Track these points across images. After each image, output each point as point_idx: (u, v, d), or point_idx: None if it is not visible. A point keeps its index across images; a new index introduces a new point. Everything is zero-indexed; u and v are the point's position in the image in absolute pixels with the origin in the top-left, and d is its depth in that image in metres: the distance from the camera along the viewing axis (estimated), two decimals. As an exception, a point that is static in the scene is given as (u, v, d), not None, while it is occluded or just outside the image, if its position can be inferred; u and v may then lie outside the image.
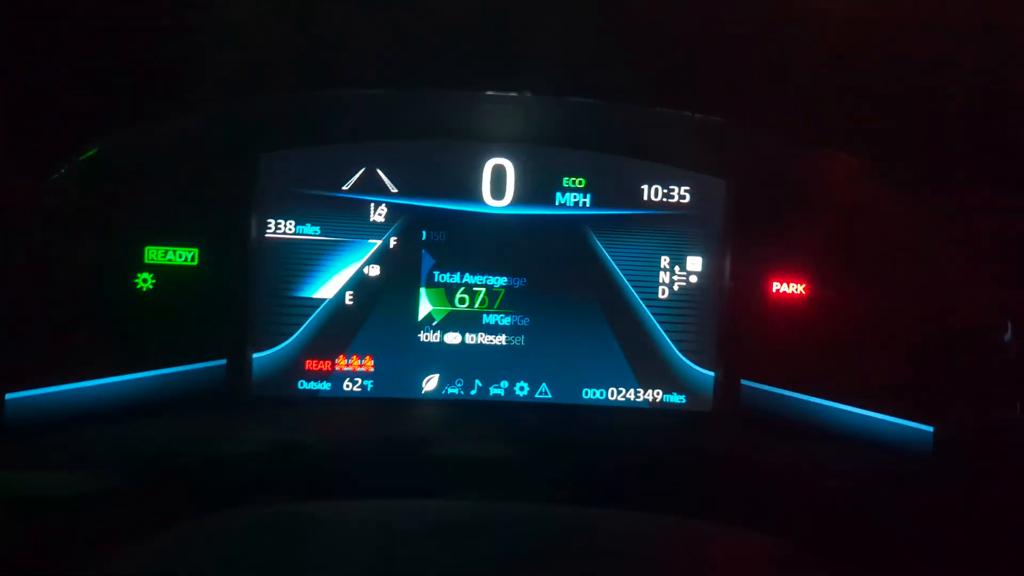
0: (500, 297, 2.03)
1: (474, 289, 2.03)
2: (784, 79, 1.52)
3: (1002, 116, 1.47)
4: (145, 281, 1.85)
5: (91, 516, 1.33)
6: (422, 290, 2.01)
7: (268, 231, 1.96)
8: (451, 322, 2.03)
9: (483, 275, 2.03)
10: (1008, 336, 1.59)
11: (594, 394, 2.07)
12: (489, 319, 2.03)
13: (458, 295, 2.02)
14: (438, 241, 2.01)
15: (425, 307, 2.01)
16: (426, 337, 2.02)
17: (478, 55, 1.53)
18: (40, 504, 1.33)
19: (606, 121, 1.95)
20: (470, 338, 2.03)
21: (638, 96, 1.67)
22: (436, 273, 2.01)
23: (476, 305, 2.03)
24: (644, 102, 1.69)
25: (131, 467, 1.53)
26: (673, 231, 2.05)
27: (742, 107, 1.66)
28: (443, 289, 2.02)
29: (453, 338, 2.03)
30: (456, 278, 2.02)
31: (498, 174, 2.02)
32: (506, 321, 2.04)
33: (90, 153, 1.57)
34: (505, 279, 2.03)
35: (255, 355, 1.97)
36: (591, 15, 1.41)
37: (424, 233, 2.00)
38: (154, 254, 1.85)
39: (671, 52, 1.48)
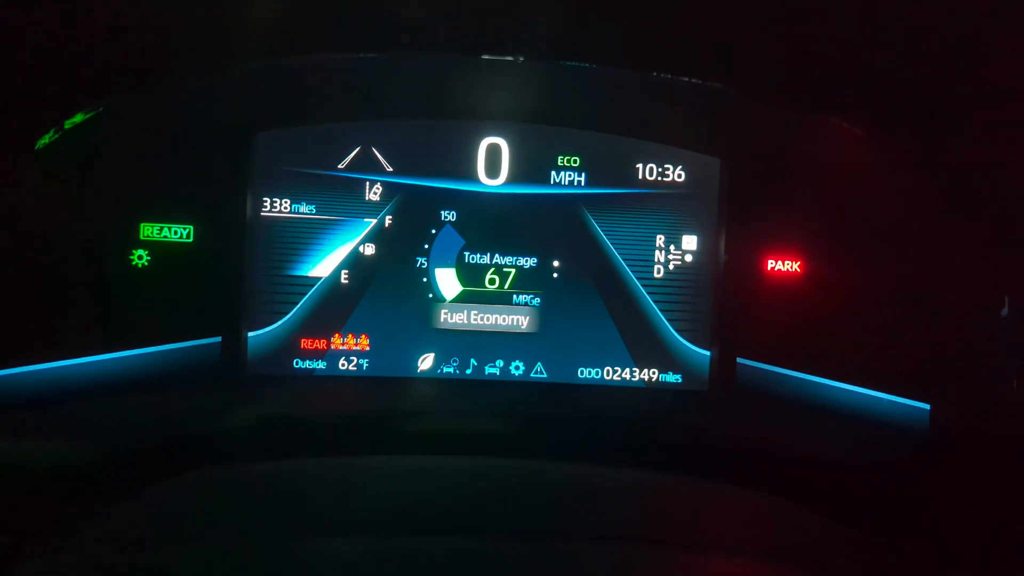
0: (495, 276, 2.03)
1: (468, 268, 2.02)
2: (781, 44, 1.51)
3: (1003, 87, 1.45)
4: (140, 258, 1.85)
5: (76, 484, 1.33)
6: (420, 269, 2.01)
7: (263, 209, 1.96)
8: (446, 301, 2.03)
9: (477, 254, 2.02)
10: (1005, 312, 1.58)
11: (590, 373, 2.06)
12: (484, 298, 2.03)
13: (453, 274, 2.02)
14: (435, 220, 2.00)
15: (424, 286, 2.01)
16: (423, 316, 2.02)
17: (472, 19, 1.52)
18: (28, 473, 1.33)
19: (600, 98, 1.94)
20: (465, 317, 2.03)
21: (632, 60, 1.65)
22: (435, 254, 2.01)
23: (470, 284, 2.03)
24: (639, 67, 1.67)
25: (120, 441, 1.52)
26: (668, 210, 2.04)
27: (737, 73, 1.64)
28: (440, 268, 2.02)
29: (448, 317, 2.03)
30: (451, 257, 2.02)
31: (493, 153, 2.01)
32: (501, 300, 2.03)
33: (78, 118, 1.56)
34: (499, 257, 2.03)
35: (250, 333, 1.97)
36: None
37: (425, 212, 2.00)
38: (149, 231, 1.86)
39: (665, 15, 1.47)
